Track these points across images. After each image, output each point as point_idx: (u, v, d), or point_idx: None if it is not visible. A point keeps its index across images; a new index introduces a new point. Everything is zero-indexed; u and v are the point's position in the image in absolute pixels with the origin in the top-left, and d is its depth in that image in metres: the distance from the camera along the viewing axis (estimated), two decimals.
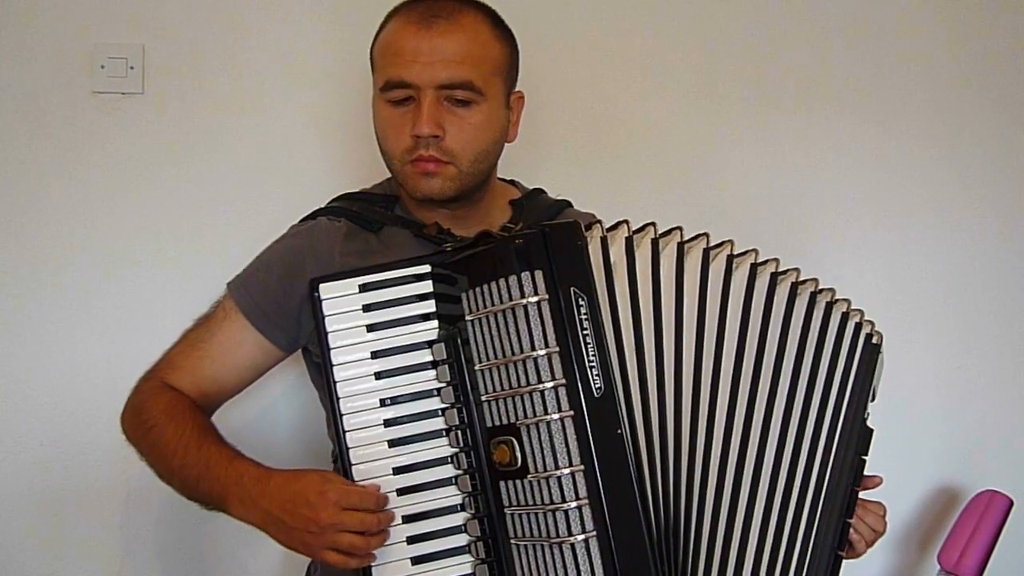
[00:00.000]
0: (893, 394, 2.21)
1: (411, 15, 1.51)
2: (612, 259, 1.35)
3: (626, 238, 1.37)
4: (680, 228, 1.43)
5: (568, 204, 1.74)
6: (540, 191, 1.74)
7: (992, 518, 2.07)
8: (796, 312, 1.46)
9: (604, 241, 1.35)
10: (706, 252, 1.42)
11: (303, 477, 1.33)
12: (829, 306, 1.49)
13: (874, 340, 1.55)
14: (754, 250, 1.46)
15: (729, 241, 1.45)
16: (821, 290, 1.50)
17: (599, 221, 1.40)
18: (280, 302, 1.54)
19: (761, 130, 2.24)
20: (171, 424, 1.47)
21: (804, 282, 1.48)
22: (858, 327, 1.52)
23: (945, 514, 2.23)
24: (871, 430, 1.55)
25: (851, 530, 1.52)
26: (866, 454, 1.54)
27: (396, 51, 1.50)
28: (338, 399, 1.37)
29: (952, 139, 2.28)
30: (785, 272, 1.47)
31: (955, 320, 2.27)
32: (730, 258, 1.43)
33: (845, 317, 1.51)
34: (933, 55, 2.29)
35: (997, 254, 2.28)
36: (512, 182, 1.74)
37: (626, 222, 1.39)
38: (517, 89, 1.62)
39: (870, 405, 1.57)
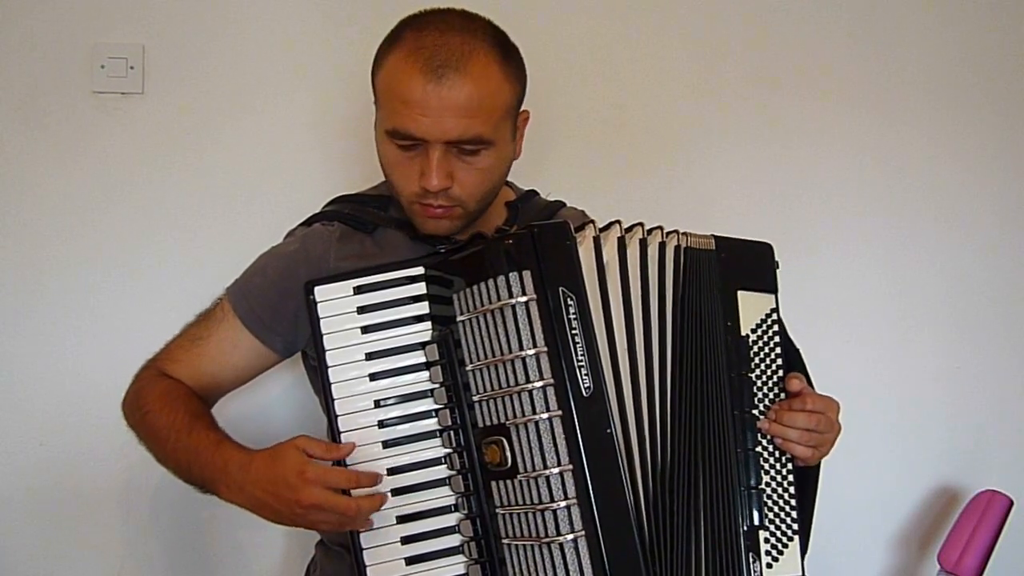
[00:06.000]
0: (893, 394, 2.23)
1: (418, 58, 1.41)
2: (605, 259, 1.35)
3: (618, 238, 1.38)
4: (661, 227, 1.45)
5: (562, 204, 1.74)
6: (534, 193, 1.74)
7: (992, 518, 2.06)
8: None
9: (597, 241, 1.36)
10: (677, 249, 1.45)
11: (282, 458, 1.31)
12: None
13: (685, 246, 1.48)
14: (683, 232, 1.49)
15: (684, 234, 1.47)
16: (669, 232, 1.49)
17: (592, 221, 1.40)
18: (276, 308, 1.54)
19: (762, 128, 2.23)
20: (165, 410, 1.48)
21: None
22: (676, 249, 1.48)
23: (945, 514, 2.22)
24: (743, 339, 1.49)
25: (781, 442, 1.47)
26: (745, 370, 1.48)
27: (403, 99, 1.41)
28: (333, 401, 1.38)
29: (953, 137, 2.27)
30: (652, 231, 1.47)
31: (955, 320, 2.27)
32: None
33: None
34: (935, 50, 2.28)
35: (998, 253, 2.28)
36: (507, 183, 1.74)
37: (618, 222, 1.40)
38: (523, 109, 1.57)
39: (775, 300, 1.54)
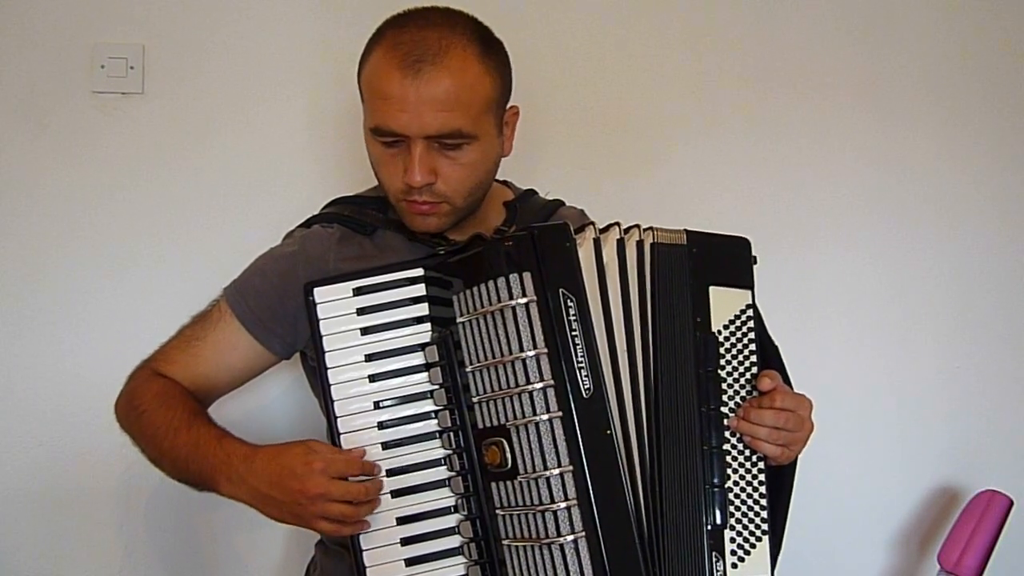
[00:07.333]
0: (893, 394, 2.23)
1: (395, 54, 1.42)
2: (604, 260, 1.36)
3: (618, 240, 1.39)
4: (653, 228, 1.43)
5: (560, 204, 1.73)
6: (532, 192, 1.74)
7: (992, 518, 2.06)
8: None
9: (597, 243, 1.36)
10: (670, 247, 1.44)
11: (288, 450, 1.33)
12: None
13: (649, 242, 1.44)
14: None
15: (655, 229, 1.44)
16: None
17: (592, 223, 1.40)
18: (275, 309, 1.54)
19: (761, 129, 2.23)
20: (163, 407, 1.48)
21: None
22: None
23: (945, 514, 2.22)
24: (713, 335, 1.45)
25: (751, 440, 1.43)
26: (713, 366, 1.44)
27: (382, 95, 1.42)
28: (333, 402, 1.38)
29: (953, 137, 2.27)
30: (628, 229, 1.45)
31: (955, 320, 2.26)
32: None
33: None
34: (935, 50, 2.28)
35: (998, 253, 2.27)
36: (505, 183, 1.74)
37: (617, 224, 1.39)
38: (511, 104, 1.57)
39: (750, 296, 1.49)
